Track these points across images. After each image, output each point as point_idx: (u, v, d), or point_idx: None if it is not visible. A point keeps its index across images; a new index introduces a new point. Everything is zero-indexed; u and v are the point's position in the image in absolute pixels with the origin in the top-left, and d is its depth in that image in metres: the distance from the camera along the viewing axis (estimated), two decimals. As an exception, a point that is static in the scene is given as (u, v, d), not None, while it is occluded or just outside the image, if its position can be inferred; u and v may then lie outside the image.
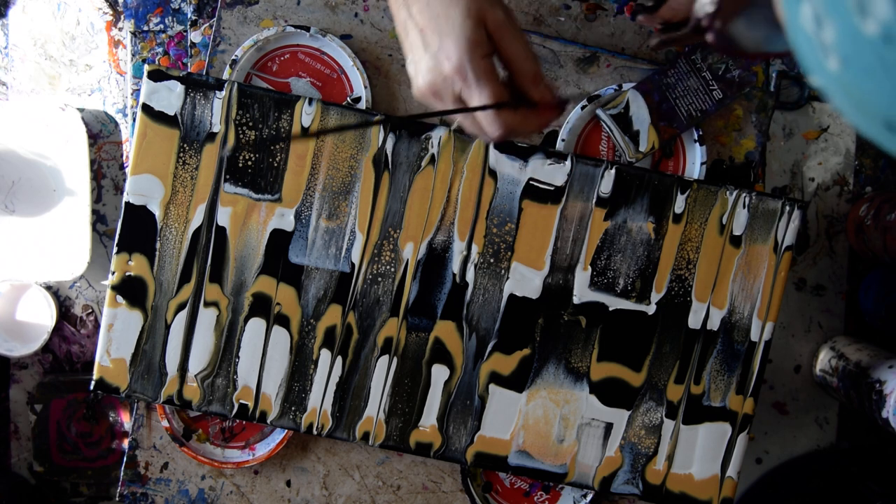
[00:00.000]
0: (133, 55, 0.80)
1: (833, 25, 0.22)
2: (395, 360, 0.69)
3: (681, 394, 0.70)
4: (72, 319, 0.84)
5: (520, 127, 0.47)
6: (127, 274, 0.68)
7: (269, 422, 0.70)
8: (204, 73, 0.72)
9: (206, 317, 0.69)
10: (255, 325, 0.69)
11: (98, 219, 0.82)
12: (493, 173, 0.68)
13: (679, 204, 0.68)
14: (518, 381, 0.69)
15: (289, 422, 0.70)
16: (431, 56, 0.46)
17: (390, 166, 0.68)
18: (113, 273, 0.68)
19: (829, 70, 0.23)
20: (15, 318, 0.83)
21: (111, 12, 0.81)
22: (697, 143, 0.72)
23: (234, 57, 0.70)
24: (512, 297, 0.69)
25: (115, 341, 0.69)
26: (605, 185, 0.68)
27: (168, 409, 0.72)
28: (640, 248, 0.69)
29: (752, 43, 0.30)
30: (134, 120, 0.80)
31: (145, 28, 0.79)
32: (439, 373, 0.69)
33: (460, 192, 0.68)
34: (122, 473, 0.74)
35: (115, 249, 0.68)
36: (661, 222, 0.69)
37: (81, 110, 0.80)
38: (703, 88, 0.71)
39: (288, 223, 0.68)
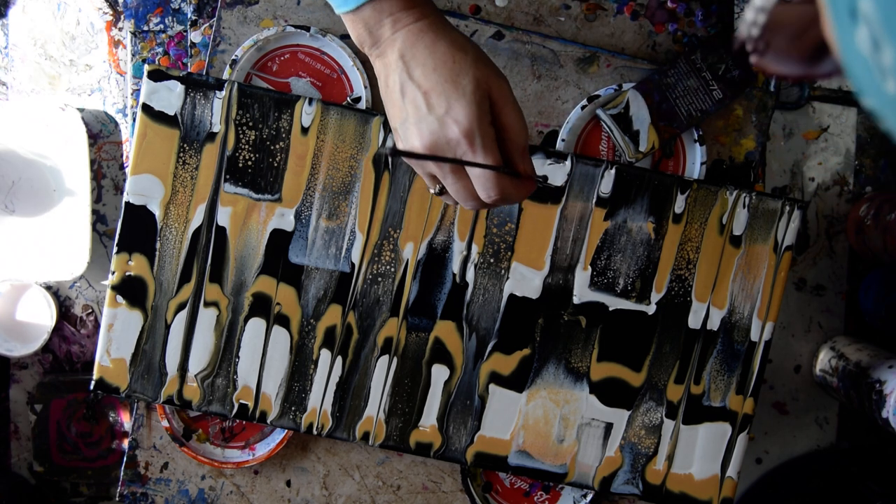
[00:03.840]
0: (133, 55, 0.80)
1: (893, 49, 0.22)
2: (395, 360, 0.69)
3: (681, 394, 0.70)
4: (72, 319, 0.84)
5: (512, 194, 0.49)
6: (127, 274, 0.68)
7: (269, 422, 0.70)
8: (204, 73, 0.72)
9: (206, 317, 0.69)
10: (255, 325, 0.69)
11: (98, 219, 0.82)
12: (493, 173, 0.68)
13: (679, 204, 0.68)
14: (518, 381, 0.69)
15: (289, 422, 0.70)
16: (437, 119, 0.47)
17: (390, 166, 0.68)
18: (113, 273, 0.68)
19: (886, 91, 0.23)
20: (15, 318, 0.83)
21: (111, 12, 0.81)
22: (697, 143, 0.72)
23: (234, 57, 0.70)
24: (512, 297, 0.69)
25: (115, 341, 0.69)
26: (605, 185, 0.68)
27: (168, 409, 0.72)
28: (640, 248, 0.69)
29: (797, 67, 0.30)
30: (134, 120, 0.80)
31: (145, 28, 0.79)
32: (439, 373, 0.69)
33: (460, 192, 0.68)
34: (122, 473, 0.74)
35: (115, 249, 0.68)
36: (661, 222, 0.69)
37: (81, 110, 0.80)
38: (703, 88, 0.71)
39: (288, 223, 0.68)
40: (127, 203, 0.68)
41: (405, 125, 0.49)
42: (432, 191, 0.52)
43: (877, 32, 0.22)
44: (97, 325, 0.83)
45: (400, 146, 0.50)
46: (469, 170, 0.48)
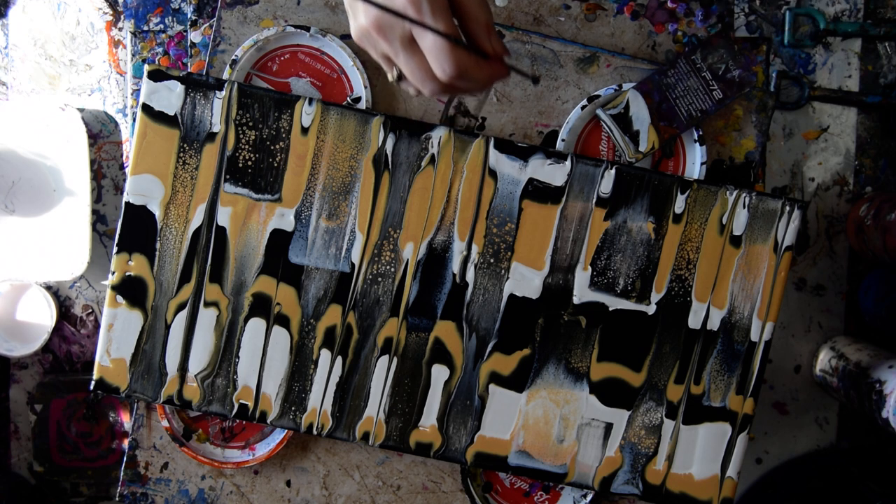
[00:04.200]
0: (133, 55, 0.80)
1: None
2: (395, 360, 0.69)
3: (681, 394, 0.70)
4: (72, 319, 0.84)
5: (472, 71, 0.45)
6: (127, 274, 0.68)
7: (269, 422, 0.70)
8: (204, 73, 0.72)
9: (206, 317, 0.69)
10: (255, 325, 0.69)
11: (98, 219, 0.82)
12: (493, 173, 0.68)
13: (679, 204, 0.69)
14: (518, 381, 0.69)
15: (289, 422, 0.70)
16: None
17: (390, 166, 0.68)
18: (113, 273, 0.68)
19: None
20: (15, 318, 0.83)
21: (111, 12, 0.81)
22: (697, 143, 0.72)
23: (234, 57, 0.70)
24: (512, 297, 0.69)
25: (115, 341, 0.69)
26: (605, 185, 0.68)
27: (168, 409, 0.72)
28: (640, 248, 0.69)
29: None
30: (134, 120, 0.80)
31: (145, 28, 0.79)
32: (439, 373, 0.69)
33: (460, 192, 0.68)
34: (122, 473, 0.74)
35: (115, 249, 0.68)
36: (661, 222, 0.69)
37: (81, 110, 0.80)
38: (703, 88, 0.71)
39: (288, 223, 0.68)
40: (127, 203, 0.68)
41: (354, 2, 0.46)
42: (390, 77, 0.49)
43: None
44: (97, 325, 0.83)
45: (352, 27, 0.47)
46: (422, 43, 0.45)
